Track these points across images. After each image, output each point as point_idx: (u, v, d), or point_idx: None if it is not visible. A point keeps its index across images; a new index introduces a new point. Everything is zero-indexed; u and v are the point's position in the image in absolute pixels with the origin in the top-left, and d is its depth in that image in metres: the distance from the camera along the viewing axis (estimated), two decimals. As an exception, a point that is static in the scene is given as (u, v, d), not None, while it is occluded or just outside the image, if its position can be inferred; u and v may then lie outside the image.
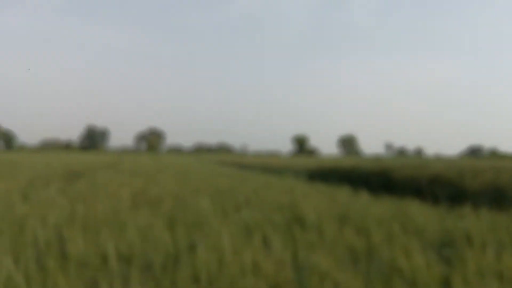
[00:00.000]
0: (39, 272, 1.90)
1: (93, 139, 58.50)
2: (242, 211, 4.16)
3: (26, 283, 1.82)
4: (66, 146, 57.21)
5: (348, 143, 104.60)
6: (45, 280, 1.81)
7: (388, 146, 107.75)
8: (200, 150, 75.43)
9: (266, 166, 19.50)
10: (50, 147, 57.16)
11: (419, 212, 4.50)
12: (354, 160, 26.86)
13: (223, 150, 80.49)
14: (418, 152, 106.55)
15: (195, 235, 3.01)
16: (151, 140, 58.77)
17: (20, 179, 6.77)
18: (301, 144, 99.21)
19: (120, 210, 3.55)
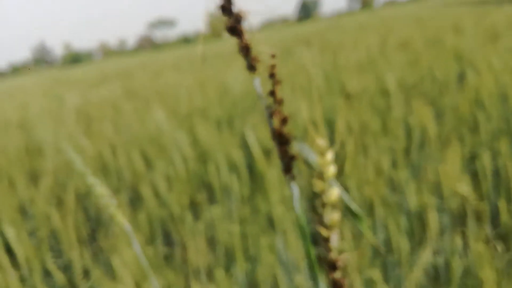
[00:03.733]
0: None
1: (307, 9, 59.04)
2: (501, 39, 3.74)
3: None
4: (284, 22, 59.42)
5: None
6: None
7: None
8: (418, -3, 68.68)
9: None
10: (270, 25, 60.28)
11: None
12: None
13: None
14: None
15: (461, 64, 2.88)
16: (363, -4, 56.14)
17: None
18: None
19: (374, 55, 3.63)
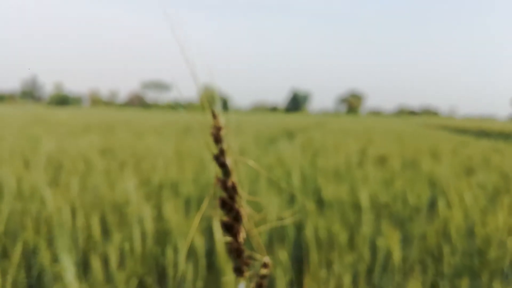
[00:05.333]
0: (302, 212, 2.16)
1: (297, 102, 61.30)
2: (476, 174, 3.89)
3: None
4: (273, 109, 61.30)
5: None
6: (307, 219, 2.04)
7: None
8: (402, 113, 72.35)
9: (482, 130, 17.65)
10: (259, 109, 62.03)
11: None
12: None
13: (427, 113, 75.82)
14: None
15: (434, 191, 2.95)
16: (351, 102, 58.86)
17: (249, 135, 7.54)
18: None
19: (352, 165, 3.70)
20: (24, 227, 1.99)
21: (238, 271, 0.25)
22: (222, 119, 0.27)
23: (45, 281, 1.70)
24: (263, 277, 0.26)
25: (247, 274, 0.26)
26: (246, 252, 0.26)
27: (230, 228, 0.25)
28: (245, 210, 0.26)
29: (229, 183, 0.26)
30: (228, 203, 0.25)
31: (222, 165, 0.27)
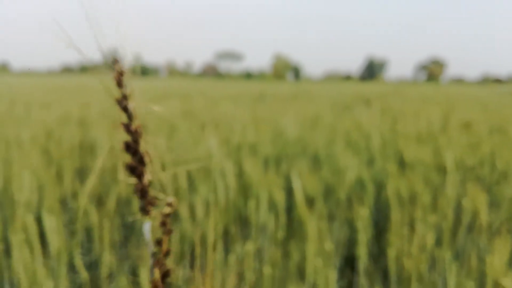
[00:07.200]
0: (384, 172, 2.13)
1: (372, 70, 59.21)
2: None
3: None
4: (347, 77, 59.81)
5: None
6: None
7: None
8: (487, 81, 67.46)
9: None
10: (332, 78, 60.85)
11: None
12: None
13: (516, 81, 69.90)
14: None
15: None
16: (432, 69, 55.76)
17: (322, 103, 7.45)
18: None
19: (434, 130, 3.56)
20: (116, 181, 2.15)
21: (143, 211, 0.26)
22: (124, 63, 0.27)
23: (137, 230, 1.84)
24: (166, 216, 0.27)
25: (152, 213, 0.27)
26: (152, 193, 0.27)
27: (134, 170, 0.26)
28: (149, 153, 0.27)
29: (133, 127, 0.26)
30: (132, 147, 0.26)
31: (125, 109, 0.27)
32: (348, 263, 1.72)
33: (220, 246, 1.44)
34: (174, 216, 1.78)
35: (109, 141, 2.61)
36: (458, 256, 1.57)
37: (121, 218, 1.90)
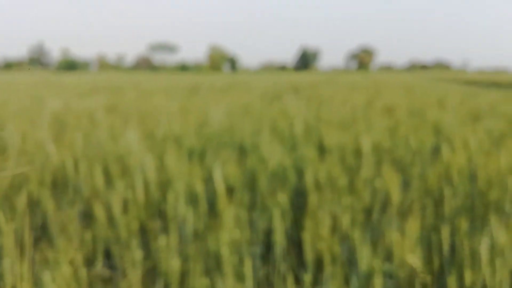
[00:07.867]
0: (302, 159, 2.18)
1: (306, 60, 60.43)
2: (482, 121, 3.85)
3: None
4: (282, 68, 60.60)
5: None
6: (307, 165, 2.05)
7: None
8: (414, 68, 71.02)
9: (493, 82, 17.35)
10: (268, 68, 61.39)
11: None
12: None
13: (439, 67, 74.26)
14: None
15: (439, 139, 2.94)
16: (362, 58, 57.79)
17: (255, 93, 7.51)
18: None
19: (357, 115, 3.69)
20: (28, 180, 2.04)
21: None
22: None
23: (49, 232, 1.75)
24: None
25: None
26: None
27: None
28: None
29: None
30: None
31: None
32: (271, 251, 1.74)
33: (135, 244, 1.40)
34: (88, 215, 1.71)
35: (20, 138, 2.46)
36: (372, 236, 1.63)
37: (32, 220, 1.80)
